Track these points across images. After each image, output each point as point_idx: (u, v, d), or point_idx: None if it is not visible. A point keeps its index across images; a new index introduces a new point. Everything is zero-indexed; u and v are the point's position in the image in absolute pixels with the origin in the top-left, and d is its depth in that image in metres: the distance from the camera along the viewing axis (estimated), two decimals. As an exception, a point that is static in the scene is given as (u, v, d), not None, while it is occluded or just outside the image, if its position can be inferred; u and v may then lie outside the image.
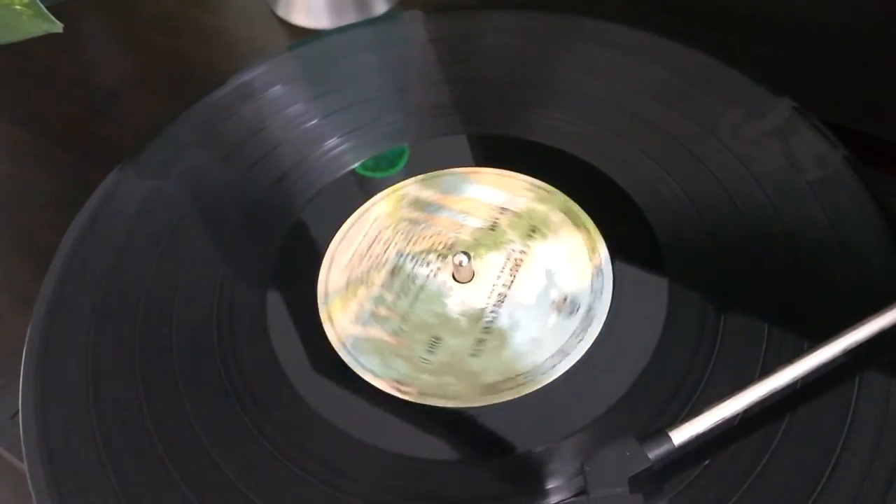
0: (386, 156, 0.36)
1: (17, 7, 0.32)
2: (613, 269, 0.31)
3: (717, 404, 0.25)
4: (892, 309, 0.27)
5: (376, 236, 0.33)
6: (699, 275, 0.31)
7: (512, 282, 0.31)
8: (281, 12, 0.52)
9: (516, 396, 0.28)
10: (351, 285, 0.32)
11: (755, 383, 0.26)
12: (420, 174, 0.35)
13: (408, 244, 0.33)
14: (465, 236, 0.33)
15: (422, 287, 0.32)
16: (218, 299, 0.32)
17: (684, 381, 0.28)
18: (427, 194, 0.35)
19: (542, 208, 0.33)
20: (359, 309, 0.31)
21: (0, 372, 0.35)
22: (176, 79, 0.49)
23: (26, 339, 0.31)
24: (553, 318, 0.30)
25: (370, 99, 0.39)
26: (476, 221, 0.33)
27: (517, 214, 0.33)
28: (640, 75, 0.38)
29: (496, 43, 0.40)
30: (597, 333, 0.30)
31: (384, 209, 0.34)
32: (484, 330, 0.30)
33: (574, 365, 0.29)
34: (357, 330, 0.31)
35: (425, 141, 0.37)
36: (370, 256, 0.33)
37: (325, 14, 0.51)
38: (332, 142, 0.37)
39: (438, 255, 0.33)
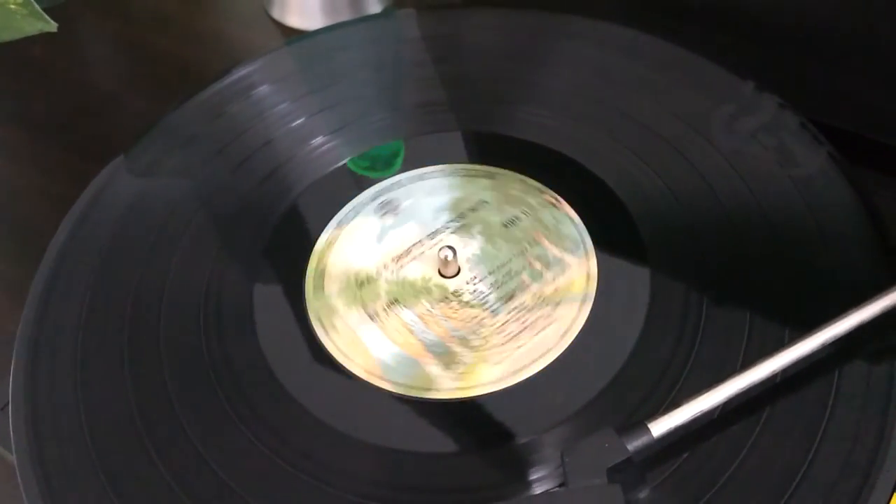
0: (381, 156, 0.37)
1: (12, 6, 0.32)
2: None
3: (696, 397, 0.25)
4: (871, 303, 0.27)
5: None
6: (682, 270, 0.31)
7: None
8: (276, 14, 0.53)
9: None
10: (356, 285, 0.32)
11: (735, 376, 0.26)
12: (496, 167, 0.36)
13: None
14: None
15: (433, 281, 0.32)
16: (205, 294, 0.32)
17: (665, 375, 0.28)
18: (554, 252, 0.33)
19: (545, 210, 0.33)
20: (368, 310, 0.32)
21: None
22: (171, 80, 0.49)
23: (17, 331, 0.31)
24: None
25: (360, 96, 0.39)
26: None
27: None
28: (628, 73, 0.38)
29: (485, 41, 0.41)
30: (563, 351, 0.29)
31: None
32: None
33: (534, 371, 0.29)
34: (373, 335, 0.31)
35: (416, 138, 0.37)
36: (374, 250, 0.34)
37: (320, 15, 0.51)
38: (321, 139, 0.37)
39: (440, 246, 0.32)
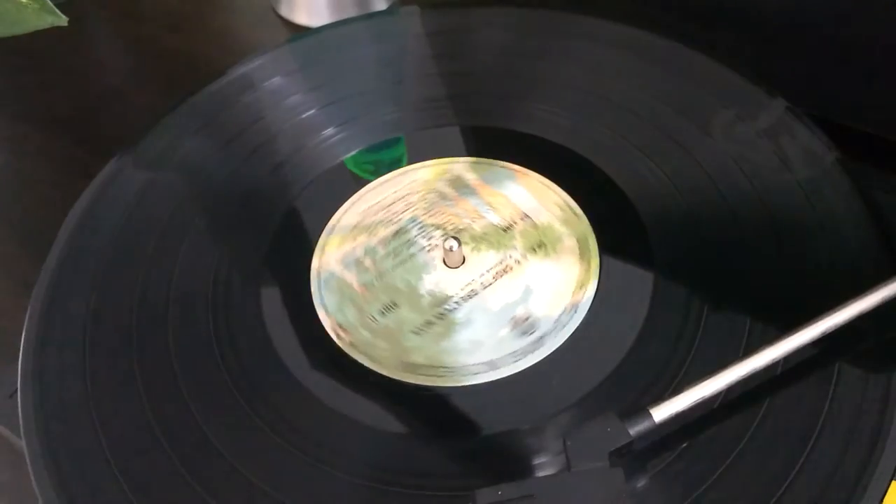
0: (384, 161, 0.37)
1: (23, 0, 0.33)
2: (598, 281, 0.31)
3: (697, 383, 0.26)
4: (873, 292, 0.27)
5: (404, 196, 0.34)
6: (685, 264, 0.31)
7: (490, 284, 0.32)
8: (283, 11, 0.53)
9: (427, 384, 0.29)
10: (356, 229, 0.34)
11: (737, 363, 0.26)
12: (475, 156, 0.36)
13: (425, 214, 0.34)
14: (477, 227, 0.34)
15: (411, 255, 0.33)
16: (213, 282, 0.32)
17: (667, 366, 0.29)
18: (469, 177, 0.35)
19: (560, 229, 0.33)
20: (350, 252, 0.33)
21: (-1, 353, 0.35)
22: (178, 76, 0.50)
23: (26, 319, 0.31)
24: (505, 331, 0.30)
25: (366, 91, 0.39)
26: (495, 218, 0.34)
27: (534, 226, 0.33)
28: (634, 71, 0.38)
29: (491, 38, 0.41)
30: (536, 361, 0.29)
31: (424, 175, 0.36)
32: (438, 315, 0.31)
33: (501, 378, 0.29)
34: (337, 268, 0.32)
35: (419, 132, 0.38)
36: (388, 211, 0.34)
37: (327, 12, 0.52)
38: (328, 131, 0.38)
39: (443, 235, 0.33)
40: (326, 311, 0.31)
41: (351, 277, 0.32)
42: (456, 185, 0.35)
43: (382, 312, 0.31)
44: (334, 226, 0.34)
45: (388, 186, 0.35)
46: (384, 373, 0.29)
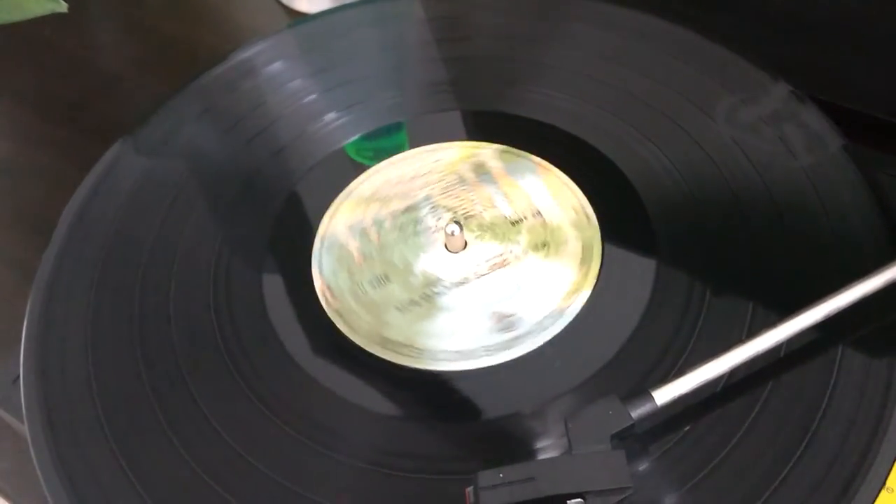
0: (385, 148, 0.37)
1: (23, -13, 0.33)
2: (598, 276, 0.31)
3: (700, 366, 0.26)
4: (876, 275, 0.27)
5: (425, 173, 0.35)
6: (688, 248, 0.31)
7: (484, 275, 0.32)
8: (284, -2, 0.53)
9: (393, 360, 0.29)
10: (372, 198, 0.34)
11: (739, 346, 0.26)
12: (503, 144, 0.36)
13: (440, 194, 0.34)
14: (487, 216, 0.33)
15: (416, 233, 0.33)
16: (214, 266, 0.32)
17: (669, 350, 0.28)
18: (492, 164, 0.35)
19: (569, 232, 0.33)
20: (360, 220, 0.33)
21: (2, 340, 0.35)
22: (180, 63, 0.50)
23: (28, 304, 0.31)
24: (484, 324, 0.30)
25: (367, 76, 0.39)
26: (508, 210, 0.34)
27: (544, 224, 0.33)
28: (636, 55, 0.38)
29: (493, 22, 0.41)
30: (507, 359, 0.29)
31: (449, 156, 0.36)
32: (424, 296, 0.31)
33: (468, 370, 0.29)
34: (342, 235, 0.33)
35: (421, 116, 0.38)
36: (406, 185, 0.34)
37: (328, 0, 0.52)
38: (329, 117, 0.37)
39: (452, 218, 0.33)
40: (321, 271, 0.32)
41: (353, 245, 0.32)
42: (478, 170, 0.35)
43: (373, 284, 0.31)
44: (352, 191, 0.34)
45: (415, 161, 0.35)
46: (360, 343, 0.30)
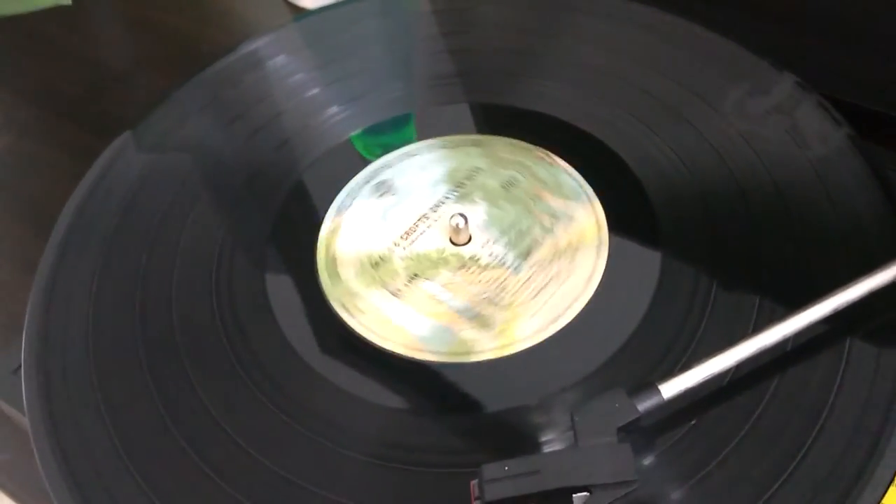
0: (393, 144, 0.37)
1: (27, -21, 0.32)
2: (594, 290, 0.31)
3: (706, 359, 0.25)
4: (883, 269, 0.27)
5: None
6: (694, 241, 0.31)
7: (465, 277, 0.31)
8: (288, -6, 0.53)
9: (398, 352, 0.29)
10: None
11: (746, 340, 0.26)
12: (508, 137, 0.35)
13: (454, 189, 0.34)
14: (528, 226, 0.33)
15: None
16: (217, 257, 0.32)
17: (675, 343, 0.28)
18: (558, 204, 0.33)
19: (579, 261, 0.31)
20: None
21: (2, 331, 0.35)
22: (183, 58, 0.50)
23: (30, 295, 0.31)
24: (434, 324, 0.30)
25: (372, 69, 0.39)
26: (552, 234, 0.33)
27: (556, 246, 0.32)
28: (641, 48, 0.38)
29: (497, 14, 0.41)
30: (514, 351, 0.29)
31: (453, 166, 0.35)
32: (408, 279, 0.31)
33: (474, 362, 0.29)
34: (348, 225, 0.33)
35: (426, 108, 0.38)
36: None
37: (331, -5, 0.51)
38: (333, 109, 0.37)
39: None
40: (325, 263, 0.32)
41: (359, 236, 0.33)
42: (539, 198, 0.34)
43: (377, 276, 0.31)
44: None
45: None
46: (364, 335, 0.30)
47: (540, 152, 0.35)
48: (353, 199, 0.34)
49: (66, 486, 0.26)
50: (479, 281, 0.31)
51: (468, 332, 0.29)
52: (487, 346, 0.29)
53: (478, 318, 0.30)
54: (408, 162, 0.36)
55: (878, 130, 0.36)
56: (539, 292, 0.30)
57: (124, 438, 0.27)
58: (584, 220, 0.32)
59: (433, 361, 0.29)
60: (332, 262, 0.32)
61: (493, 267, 0.31)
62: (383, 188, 0.35)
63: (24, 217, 0.42)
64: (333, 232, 0.33)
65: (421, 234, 0.33)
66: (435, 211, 0.33)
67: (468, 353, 0.29)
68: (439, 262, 0.32)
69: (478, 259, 0.32)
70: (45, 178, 0.44)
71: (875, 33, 0.38)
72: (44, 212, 0.41)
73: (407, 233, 0.33)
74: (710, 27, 0.38)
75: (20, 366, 0.29)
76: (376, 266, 0.32)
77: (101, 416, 0.28)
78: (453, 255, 0.32)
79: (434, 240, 0.33)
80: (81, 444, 0.27)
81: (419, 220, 0.33)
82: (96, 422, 0.28)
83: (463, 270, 0.31)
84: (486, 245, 0.32)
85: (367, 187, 0.35)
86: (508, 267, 0.31)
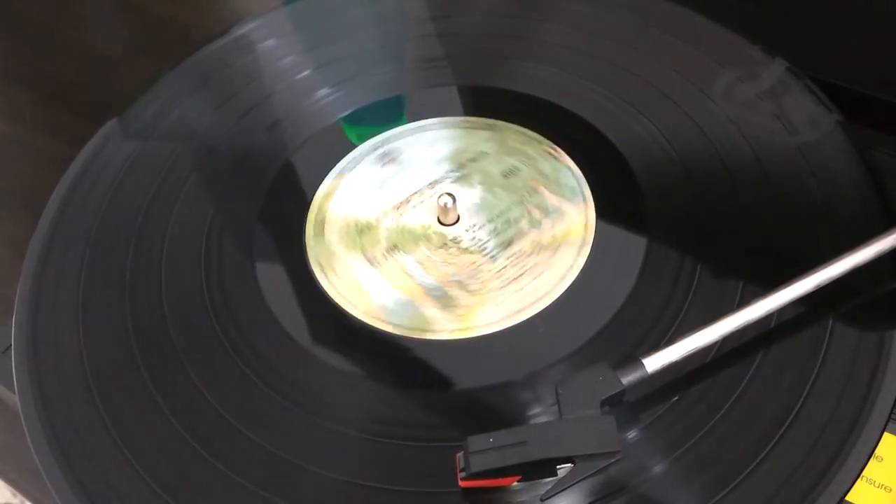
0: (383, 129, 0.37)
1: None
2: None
3: (690, 334, 0.26)
4: (866, 246, 0.27)
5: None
6: (680, 221, 0.31)
7: (445, 255, 0.32)
8: (278, -19, 0.53)
9: (386, 330, 0.29)
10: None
11: (730, 314, 0.26)
12: (498, 119, 0.36)
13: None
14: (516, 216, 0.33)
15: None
16: (206, 238, 0.32)
17: (660, 319, 0.29)
18: (552, 200, 0.33)
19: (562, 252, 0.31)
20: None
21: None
22: (174, 45, 0.50)
23: (21, 277, 0.31)
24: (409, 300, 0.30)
25: (361, 52, 0.39)
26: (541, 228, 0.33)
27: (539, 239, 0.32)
28: (632, 32, 0.38)
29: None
30: (500, 328, 0.29)
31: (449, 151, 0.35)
32: (387, 251, 0.32)
33: (461, 339, 0.29)
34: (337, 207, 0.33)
35: (416, 91, 0.38)
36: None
37: (322, -18, 0.51)
38: (323, 91, 0.37)
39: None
40: (313, 243, 0.32)
41: (349, 217, 0.33)
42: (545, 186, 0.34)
43: (366, 256, 0.32)
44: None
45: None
46: (353, 313, 0.30)
47: (548, 146, 0.35)
48: (358, 163, 0.35)
49: (57, 465, 0.27)
50: (455, 263, 0.31)
51: (431, 310, 0.30)
52: (446, 327, 0.29)
53: (443, 298, 0.30)
54: (419, 135, 0.36)
55: (866, 113, 0.36)
56: (510, 283, 0.30)
57: (114, 417, 0.28)
58: (574, 219, 0.32)
59: (389, 332, 0.29)
60: (321, 222, 0.33)
61: (473, 251, 0.31)
62: (389, 157, 0.35)
63: (14, 201, 0.42)
64: (329, 193, 0.34)
65: (413, 207, 0.33)
66: (431, 188, 0.34)
67: (425, 330, 0.29)
68: (421, 237, 0.32)
69: (459, 241, 0.32)
70: (35, 163, 0.44)
71: (861, 16, 0.38)
72: (33, 195, 0.42)
73: (399, 205, 0.33)
74: (701, 11, 0.38)
75: (10, 346, 0.29)
76: (361, 232, 0.32)
77: (91, 394, 0.28)
78: (436, 234, 0.32)
79: (422, 216, 0.33)
80: (71, 422, 0.28)
81: (414, 194, 0.33)
82: (86, 400, 0.28)
83: (442, 250, 0.32)
84: (470, 229, 0.32)
85: (374, 154, 0.35)
86: (487, 254, 0.31)
